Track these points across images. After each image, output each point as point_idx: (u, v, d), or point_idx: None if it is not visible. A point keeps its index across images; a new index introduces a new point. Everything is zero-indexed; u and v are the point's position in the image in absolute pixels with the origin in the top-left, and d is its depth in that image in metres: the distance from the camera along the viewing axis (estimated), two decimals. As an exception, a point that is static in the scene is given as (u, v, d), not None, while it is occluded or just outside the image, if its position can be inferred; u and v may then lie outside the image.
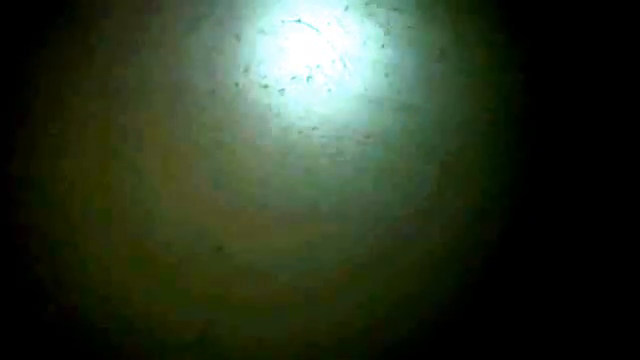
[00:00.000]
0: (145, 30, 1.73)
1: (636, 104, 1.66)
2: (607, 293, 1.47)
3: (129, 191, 1.53)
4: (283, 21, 1.76)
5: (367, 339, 1.42)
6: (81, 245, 1.47)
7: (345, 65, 1.70)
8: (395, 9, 1.78)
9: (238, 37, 1.73)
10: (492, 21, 1.77)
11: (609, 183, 1.58)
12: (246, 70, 1.69)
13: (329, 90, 1.67)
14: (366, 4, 1.79)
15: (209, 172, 1.56)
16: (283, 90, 1.67)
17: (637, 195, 1.56)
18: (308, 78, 1.69)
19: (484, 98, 1.66)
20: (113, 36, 1.72)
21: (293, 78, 1.68)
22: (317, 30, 1.75)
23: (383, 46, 1.73)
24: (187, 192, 1.53)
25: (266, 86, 1.67)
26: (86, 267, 1.45)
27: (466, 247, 1.50)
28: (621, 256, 1.50)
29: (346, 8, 1.78)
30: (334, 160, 1.58)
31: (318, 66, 1.70)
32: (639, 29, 1.75)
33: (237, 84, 1.67)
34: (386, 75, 1.69)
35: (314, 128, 1.62)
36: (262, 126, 1.62)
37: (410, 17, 1.77)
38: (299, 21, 1.76)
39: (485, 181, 1.57)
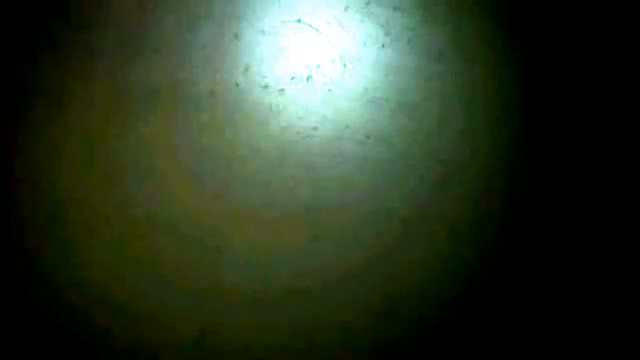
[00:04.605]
0: (145, 30, 1.73)
1: (636, 102, 1.66)
2: (607, 292, 1.47)
3: (129, 191, 1.53)
4: (283, 21, 1.76)
5: (367, 338, 1.41)
6: (81, 245, 1.47)
7: (345, 65, 1.70)
8: (395, 9, 1.78)
9: (238, 37, 1.73)
10: (492, 21, 1.77)
11: (610, 182, 1.57)
12: (246, 70, 1.69)
13: (329, 90, 1.67)
14: (366, 4, 1.79)
15: (209, 172, 1.56)
16: (283, 90, 1.67)
17: (637, 194, 1.56)
18: (308, 78, 1.68)
19: (484, 98, 1.66)
20: (113, 36, 1.72)
21: (293, 78, 1.68)
22: (317, 30, 1.75)
23: (383, 46, 1.73)
24: (187, 192, 1.53)
25: (266, 86, 1.67)
26: (86, 267, 1.45)
27: (466, 247, 1.50)
28: (621, 256, 1.50)
29: (346, 8, 1.78)
30: (334, 160, 1.58)
31: (318, 66, 1.70)
32: (638, 26, 1.75)
33: (237, 84, 1.67)
34: (386, 75, 1.69)
35: (314, 128, 1.62)
36: (262, 126, 1.62)
37: (410, 17, 1.77)
38: (299, 21, 1.76)
39: (485, 181, 1.57)
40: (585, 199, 1.56)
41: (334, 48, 1.73)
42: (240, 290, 1.44)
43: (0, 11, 1.75)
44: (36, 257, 1.46)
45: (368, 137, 1.61)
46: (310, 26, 1.75)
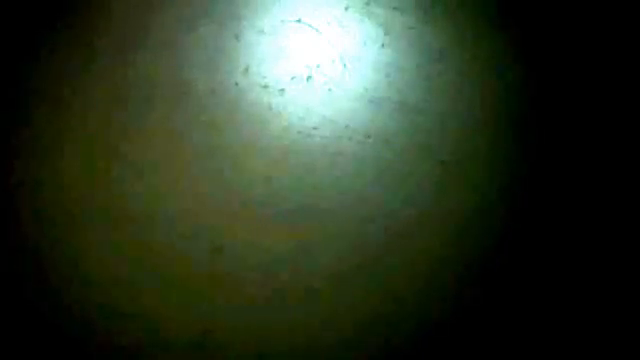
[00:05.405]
0: (145, 30, 1.73)
1: (637, 104, 1.66)
2: (607, 293, 1.47)
3: (129, 191, 1.53)
4: (283, 21, 1.76)
5: (367, 338, 1.42)
6: (81, 245, 1.47)
7: (345, 65, 1.70)
8: (395, 9, 1.78)
9: (238, 37, 1.73)
10: (492, 21, 1.77)
11: (609, 183, 1.57)
12: (246, 70, 1.69)
13: (329, 90, 1.67)
14: (366, 4, 1.79)
15: (209, 172, 1.56)
16: (283, 90, 1.67)
17: (637, 195, 1.56)
18: (308, 78, 1.69)
19: (484, 98, 1.66)
20: (113, 36, 1.72)
21: (293, 78, 1.69)
22: (317, 30, 1.75)
23: (383, 46, 1.73)
24: (187, 192, 1.53)
25: (266, 86, 1.67)
26: (86, 267, 1.45)
27: (466, 247, 1.50)
28: (621, 256, 1.50)
29: (346, 8, 1.78)
30: (334, 160, 1.58)
31: (318, 66, 1.70)
32: (639, 28, 1.75)
33: (237, 84, 1.67)
34: (386, 75, 1.69)
35: (314, 128, 1.62)
36: (262, 126, 1.62)
37: (410, 17, 1.77)
38: (299, 21, 1.76)
39: (485, 181, 1.57)
40: (586, 199, 1.56)
41: (334, 48, 1.73)
42: (240, 290, 1.45)
43: (1, 11, 1.75)
44: (36, 257, 1.46)
45: (368, 137, 1.61)
46: (310, 26, 1.75)
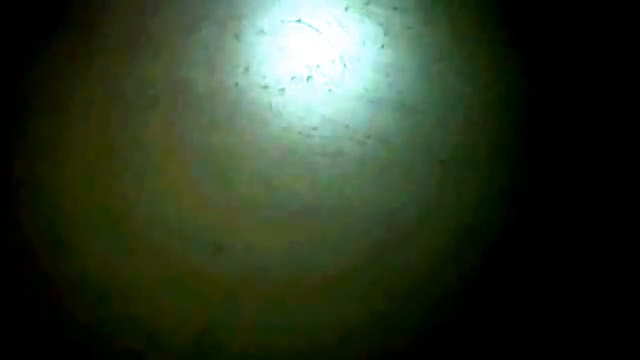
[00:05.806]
0: (145, 31, 1.73)
1: (637, 104, 1.66)
2: (607, 292, 1.47)
3: (129, 191, 1.53)
4: (283, 21, 1.76)
5: (367, 338, 1.41)
6: (81, 245, 1.47)
7: (345, 65, 1.70)
8: (395, 9, 1.78)
9: (238, 37, 1.73)
10: (492, 21, 1.77)
11: (609, 181, 1.57)
12: (246, 70, 1.69)
13: (329, 90, 1.67)
14: (366, 4, 1.79)
15: (209, 172, 1.56)
16: (283, 90, 1.67)
17: (637, 196, 1.56)
18: (308, 78, 1.69)
19: (484, 98, 1.66)
20: (113, 37, 1.72)
21: (293, 78, 1.69)
22: (317, 30, 1.75)
23: (383, 46, 1.73)
24: (187, 192, 1.53)
25: (266, 86, 1.67)
26: (86, 267, 1.45)
27: (466, 247, 1.50)
28: (621, 256, 1.50)
29: (346, 8, 1.78)
30: (334, 160, 1.58)
31: (318, 66, 1.70)
32: (639, 29, 1.75)
33: (237, 84, 1.67)
34: (386, 75, 1.69)
35: (314, 128, 1.62)
36: (262, 126, 1.62)
37: (410, 17, 1.77)
38: (299, 21, 1.76)
39: (485, 181, 1.57)
40: (586, 199, 1.56)
41: (334, 48, 1.73)
42: (240, 290, 1.44)
43: (1, 11, 1.75)
44: (36, 257, 1.46)
45: (368, 137, 1.61)
46: (310, 26, 1.75)
